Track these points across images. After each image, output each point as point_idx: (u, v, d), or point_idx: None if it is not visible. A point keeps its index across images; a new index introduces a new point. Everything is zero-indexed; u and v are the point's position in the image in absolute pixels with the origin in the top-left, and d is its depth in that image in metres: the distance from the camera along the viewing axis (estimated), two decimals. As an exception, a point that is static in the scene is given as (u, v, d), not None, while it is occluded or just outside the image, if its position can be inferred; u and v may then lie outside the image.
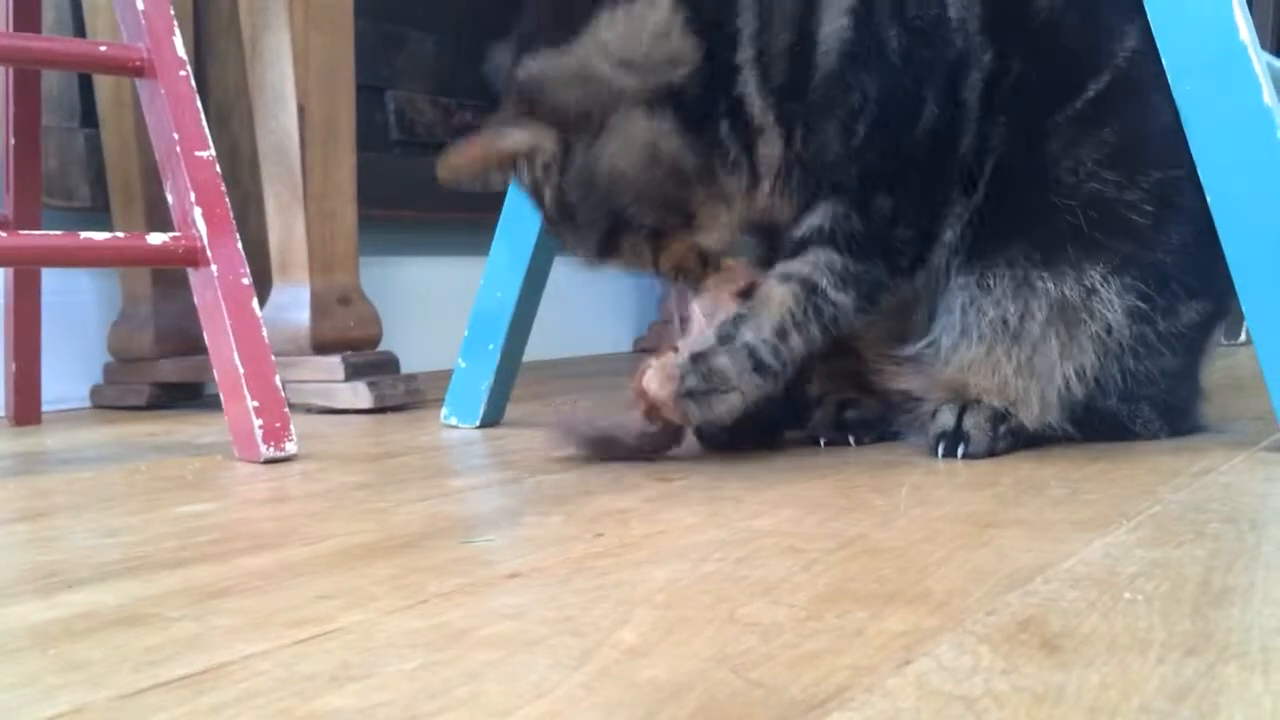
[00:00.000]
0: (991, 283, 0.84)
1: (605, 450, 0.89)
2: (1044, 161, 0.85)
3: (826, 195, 0.86)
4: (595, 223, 0.85)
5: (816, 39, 0.83)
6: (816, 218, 0.86)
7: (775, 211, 0.90)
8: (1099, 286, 0.83)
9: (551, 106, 0.83)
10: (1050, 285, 0.83)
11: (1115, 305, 0.83)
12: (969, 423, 0.86)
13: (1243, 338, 0.89)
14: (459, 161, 0.85)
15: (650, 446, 0.88)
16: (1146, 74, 0.86)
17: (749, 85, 0.84)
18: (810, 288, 0.84)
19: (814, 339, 0.85)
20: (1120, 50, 0.87)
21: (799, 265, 0.86)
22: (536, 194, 0.87)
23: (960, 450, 0.85)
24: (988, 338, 0.85)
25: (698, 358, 0.82)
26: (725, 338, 0.83)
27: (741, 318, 0.83)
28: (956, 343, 0.86)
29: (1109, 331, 0.84)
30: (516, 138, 0.84)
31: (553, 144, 0.83)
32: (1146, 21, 0.87)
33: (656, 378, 0.82)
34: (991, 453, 0.86)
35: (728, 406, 0.82)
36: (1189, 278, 0.87)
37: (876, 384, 0.94)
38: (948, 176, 0.87)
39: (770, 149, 0.86)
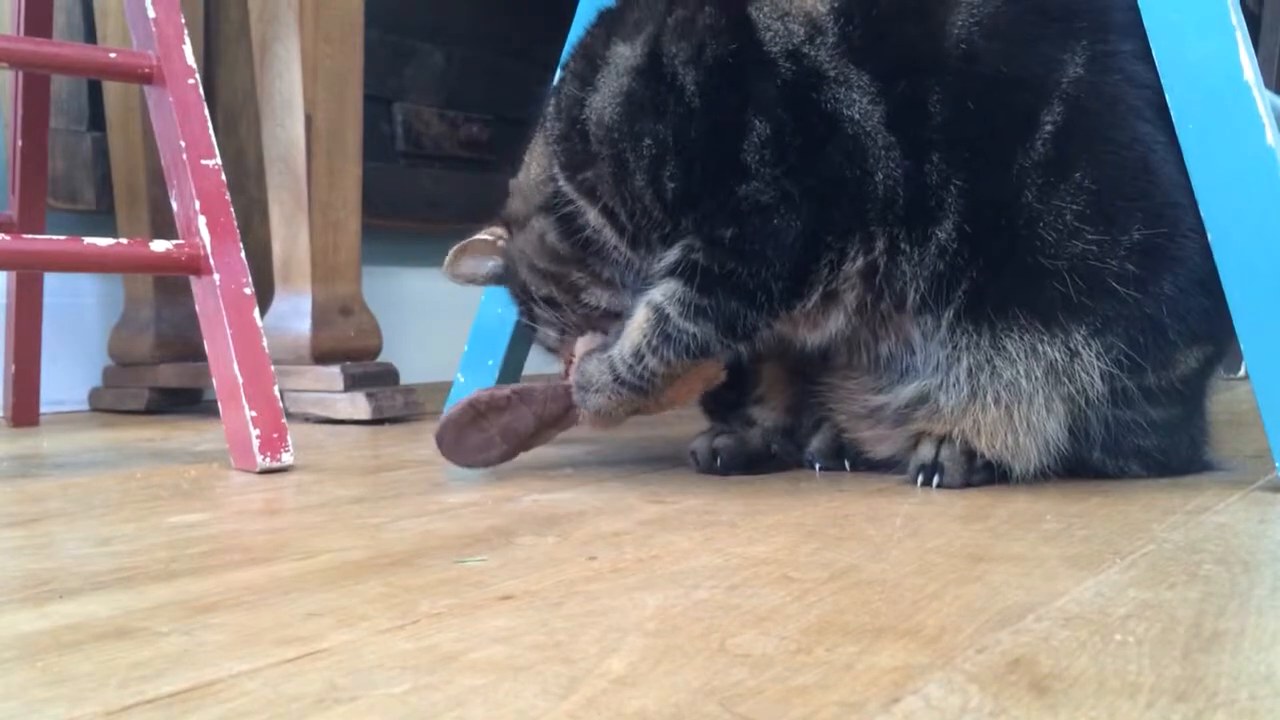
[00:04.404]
0: (1008, 346, 0.85)
1: (508, 417, 0.98)
2: (1027, 214, 0.84)
3: (684, 233, 0.89)
4: (519, 291, 1.02)
5: (584, 108, 0.90)
6: (673, 251, 0.89)
7: (646, 264, 0.94)
8: (1081, 350, 0.85)
9: (506, 212, 1.04)
10: (1046, 349, 0.85)
11: (1094, 368, 0.85)
12: (945, 455, 0.88)
13: (1242, 372, 0.89)
14: (456, 255, 1.04)
15: (555, 403, 0.98)
16: (1103, 106, 0.85)
17: (555, 168, 0.94)
18: (661, 315, 0.89)
19: (671, 361, 0.89)
20: (1063, 79, 0.84)
21: (655, 292, 0.90)
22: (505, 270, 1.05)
23: (935, 481, 0.88)
24: (1004, 400, 0.86)
25: (585, 357, 0.95)
26: (604, 346, 0.95)
27: (619, 332, 0.93)
28: (965, 404, 0.87)
29: (1085, 392, 0.85)
30: (486, 232, 1.05)
31: (505, 235, 1.04)
32: (1091, 50, 0.86)
33: (585, 342, 0.98)
34: (967, 484, 0.88)
35: (596, 403, 0.94)
36: (1186, 324, 0.86)
37: (855, 448, 0.96)
38: (841, 206, 0.85)
39: (593, 219, 0.93)
